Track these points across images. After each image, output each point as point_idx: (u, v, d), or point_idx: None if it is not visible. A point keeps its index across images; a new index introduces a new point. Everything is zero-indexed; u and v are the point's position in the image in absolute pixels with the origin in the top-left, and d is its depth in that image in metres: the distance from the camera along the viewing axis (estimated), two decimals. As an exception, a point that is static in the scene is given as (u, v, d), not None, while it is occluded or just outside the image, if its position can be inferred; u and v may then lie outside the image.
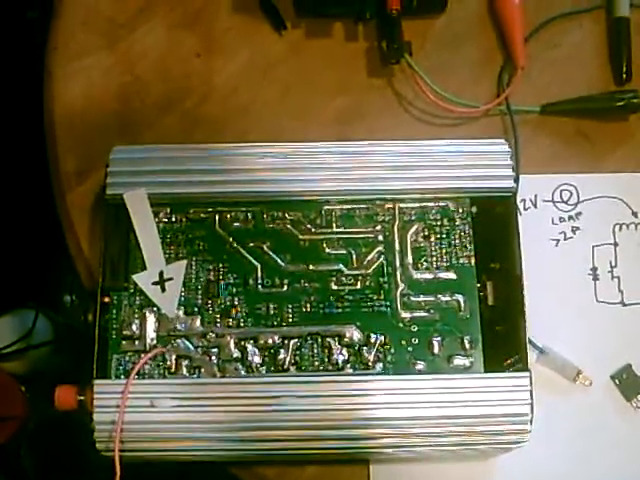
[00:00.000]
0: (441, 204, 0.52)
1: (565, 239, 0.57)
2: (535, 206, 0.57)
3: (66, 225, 0.57)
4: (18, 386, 0.89)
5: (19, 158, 0.95)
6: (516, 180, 0.52)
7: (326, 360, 0.49)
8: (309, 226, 0.52)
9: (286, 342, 0.50)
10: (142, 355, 0.49)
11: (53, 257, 0.89)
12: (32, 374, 0.89)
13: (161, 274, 0.50)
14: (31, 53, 0.63)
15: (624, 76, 0.60)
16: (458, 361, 0.50)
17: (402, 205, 0.52)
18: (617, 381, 0.54)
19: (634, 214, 0.57)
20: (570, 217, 0.57)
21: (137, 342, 0.49)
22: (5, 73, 0.95)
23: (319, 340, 0.50)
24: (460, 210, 0.52)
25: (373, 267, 0.51)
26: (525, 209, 0.57)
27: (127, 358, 0.49)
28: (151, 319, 0.50)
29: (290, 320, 0.50)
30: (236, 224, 0.52)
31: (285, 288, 0.51)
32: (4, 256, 0.94)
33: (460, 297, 0.51)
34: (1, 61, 0.96)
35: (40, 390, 0.89)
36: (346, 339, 0.50)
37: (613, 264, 0.56)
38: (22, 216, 0.96)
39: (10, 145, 0.96)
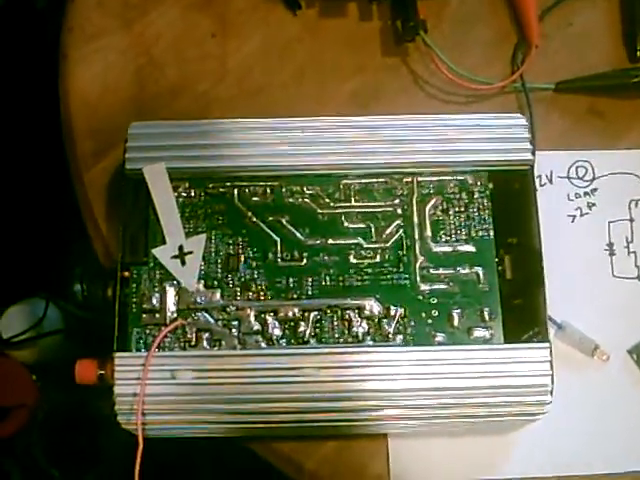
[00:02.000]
0: (459, 177, 0.52)
1: (581, 215, 0.57)
2: (551, 182, 0.58)
3: (83, 205, 0.57)
4: (29, 375, 0.89)
5: (34, 151, 0.95)
6: (533, 153, 0.52)
7: (346, 332, 0.49)
8: (327, 200, 0.52)
9: (306, 315, 0.50)
10: (162, 328, 0.49)
11: (64, 246, 0.89)
12: (42, 363, 0.90)
13: (181, 248, 0.50)
14: (42, 42, 0.63)
15: (638, 53, 0.60)
16: (478, 333, 0.50)
17: (420, 179, 0.52)
18: (634, 356, 0.54)
19: (649, 190, 0.58)
20: (586, 193, 0.57)
21: (157, 315, 0.49)
22: (18, 64, 0.96)
23: (339, 313, 0.50)
24: (478, 183, 0.52)
25: (392, 240, 0.51)
26: (541, 185, 0.57)
27: (147, 331, 0.49)
28: (171, 292, 0.50)
29: (310, 293, 0.50)
30: (255, 198, 0.52)
31: (304, 262, 0.51)
32: (15, 246, 0.94)
33: (479, 269, 0.51)
34: (14, 52, 0.96)
35: (51, 379, 0.89)
36: (366, 311, 0.50)
37: (629, 240, 0.57)
38: (33, 206, 0.96)
39: (25, 135, 0.96)
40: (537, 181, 0.56)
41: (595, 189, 0.58)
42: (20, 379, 0.88)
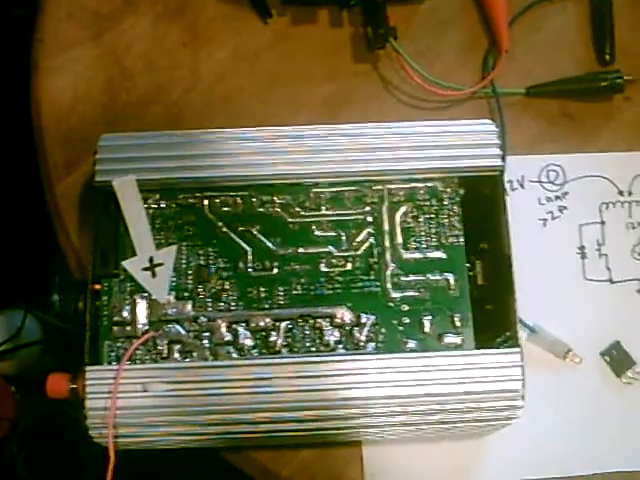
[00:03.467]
0: (429, 184, 0.52)
1: (552, 219, 0.57)
2: (522, 187, 0.58)
3: (55, 217, 0.57)
4: (8, 387, 0.88)
5: (8, 159, 0.95)
6: (503, 159, 0.52)
7: (318, 341, 0.50)
8: (298, 209, 0.52)
9: (277, 324, 0.50)
10: (134, 341, 0.49)
11: (41, 256, 0.89)
12: (22, 374, 0.89)
13: (151, 260, 0.50)
14: (20, 49, 0.63)
15: (607, 57, 0.60)
16: (449, 339, 0.50)
17: (390, 186, 0.52)
18: (607, 358, 0.55)
19: (620, 193, 0.58)
20: (557, 197, 0.58)
21: (128, 328, 0.49)
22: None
23: (310, 322, 0.50)
24: (448, 190, 0.52)
25: (363, 248, 0.51)
26: (512, 190, 0.57)
27: (119, 344, 0.49)
28: (142, 305, 0.50)
29: (281, 302, 0.50)
30: (225, 208, 0.52)
31: (275, 271, 0.51)
32: (-8, 257, 0.94)
33: (450, 276, 0.51)
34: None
35: (30, 390, 0.89)
36: (337, 320, 0.50)
37: (600, 242, 0.57)
38: (9, 217, 0.95)
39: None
40: (508, 185, 0.57)
41: (566, 192, 0.58)
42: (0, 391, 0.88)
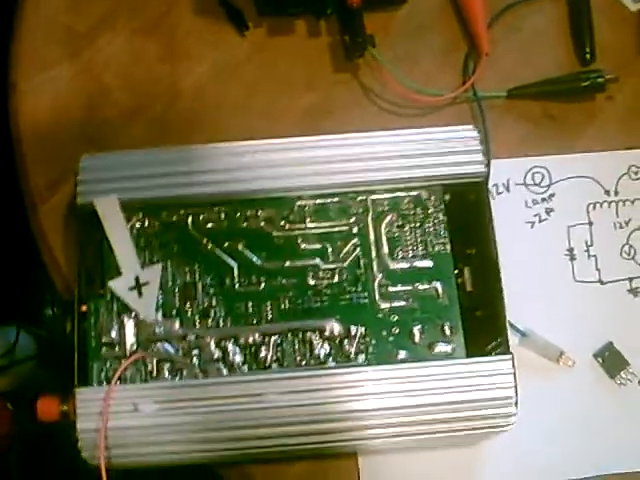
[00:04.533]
0: (413, 193, 0.52)
1: (540, 221, 0.57)
2: (508, 190, 0.58)
3: (40, 238, 0.57)
4: (4, 403, 0.88)
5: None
6: (487, 165, 0.52)
7: (308, 355, 0.49)
8: (283, 223, 0.52)
9: (267, 339, 0.49)
10: (122, 361, 0.49)
11: (33, 272, 0.88)
12: (17, 390, 0.89)
13: (137, 279, 0.50)
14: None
15: (588, 56, 0.60)
16: (440, 348, 0.50)
17: (374, 197, 0.52)
18: (600, 359, 0.54)
19: (606, 192, 0.58)
20: (543, 199, 0.57)
21: (117, 348, 0.49)
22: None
23: (300, 335, 0.50)
24: (433, 198, 0.52)
25: (349, 260, 0.51)
26: (498, 193, 0.57)
27: (108, 365, 0.49)
28: (130, 324, 0.50)
29: (269, 317, 0.50)
30: (209, 225, 0.51)
31: (262, 286, 0.50)
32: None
33: (438, 284, 0.51)
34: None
35: (26, 406, 0.88)
36: (327, 333, 0.50)
37: (589, 243, 0.57)
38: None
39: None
40: (494, 189, 0.57)
41: (553, 194, 0.58)
42: (-5, 408, 0.87)
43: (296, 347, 0.49)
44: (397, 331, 0.50)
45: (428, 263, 0.51)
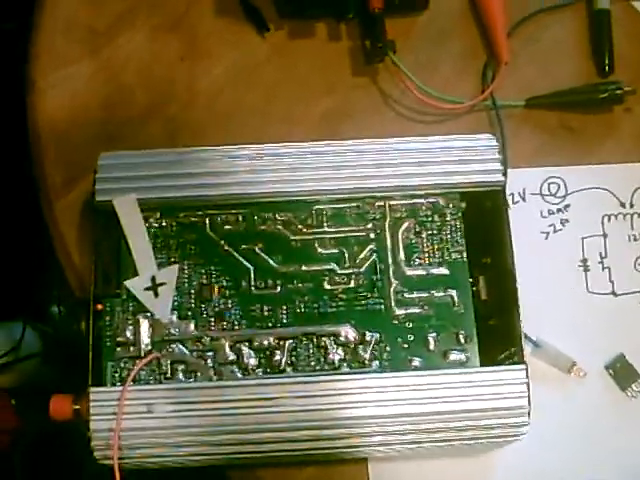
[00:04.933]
0: (431, 200, 0.52)
1: (554, 232, 0.57)
2: (524, 200, 0.58)
3: (55, 235, 0.57)
4: (9, 399, 0.88)
5: (3, 171, 0.94)
6: (505, 174, 0.52)
7: (322, 360, 0.49)
8: (300, 226, 0.52)
9: (281, 343, 0.49)
10: (137, 361, 0.49)
11: (40, 269, 0.88)
12: (22, 387, 0.89)
13: (153, 279, 0.50)
14: (10, 64, 0.63)
15: (606, 68, 0.60)
16: (454, 356, 0.50)
17: (392, 202, 0.52)
18: (611, 371, 0.54)
19: (622, 204, 0.58)
20: (559, 210, 0.58)
21: (132, 348, 0.49)
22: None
23: (314, 340, 0.50)
24: (450, 206, 0.52)
25: (366, 265, 0.51)
26: (514, 203, 0.57)
27: (122, 365, 0.49)
28: (145, 325, 0.50)
29: (285, 321, 0.50)
30: (227, 227, 0.52)
31: (278, 289, 0.50)
32: (-10, 269, 0.94)
33: (453, 292, 0.51)
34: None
35: (31, 403, 0.89)
36: (341, 338, 0.50)
37: (603, 255, 0.57)
38: (7, 229, 0.95)
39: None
40: (510, 199, 0.57)
41: (568, 205, 0.58)
42: (0, 404, 0.87)
43: (310, 352, 0.50)
44: (412, 338, 0.50)
45: (444, 271, 0.51)
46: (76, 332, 0.50)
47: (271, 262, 0.51)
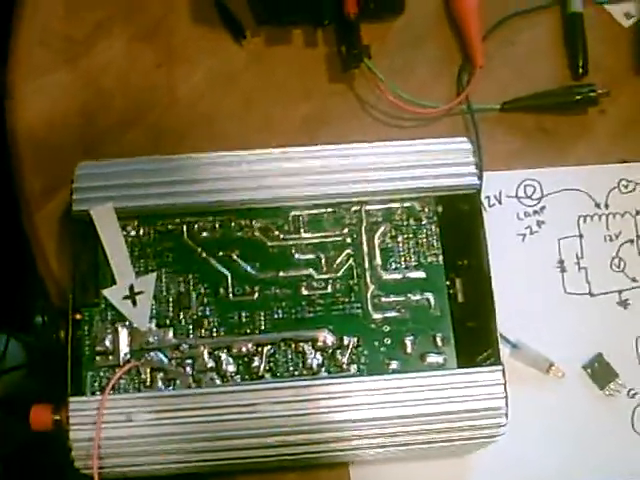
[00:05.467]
0: (406, 204, 0.53)
1: (531, 233, 0.58)
2: (500, 202, 0.58)
3: (34, 245, 0.57)
4: (-8, 411, 0.88)
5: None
6: (480, 177, 0.52)
7: (301, 365, 0.50)
8: (277, 232, 0.52)
9: (260, 349, 0.50)
10: (116, 370, 0.49)
11: (23, 279, 0.88)
12: (6, 398, 0.89)
13: (131, 288, 0.50)
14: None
15: (581, 70, 0.60)
16: (431, 359, 0.50)
17: (368, 207, 0.52)
18: (589, 371, 0.55)
19: (597, 205, 0.58)
20: (535, 211, 0.58)
21: (111, 357, 0.49)
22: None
23: (293, 345, 0.50)
24: (426, 209, 0.53)
25: (343, 270, 0.51)
26: (490, 206, 0.58)
27: (101, 374, 0.49)
28: (124, 333, 0.50)
29: (263, 327, 0.50)
30: (204, 234, 0.52)
31: (256, 296, 0.51)
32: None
33: (430, 295, 0.51)
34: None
35: (15, 414, 0.88)
36: (319, 343, 0.50)
37: (579, 256, 0.57)
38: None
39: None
40: (486, 202, 0.57)
41: (544, 207, 0.58)
42: (-17, 416, 0.87)
43: (289, 357, 0.50)
44: (389, 342, 0.50)
45: (420, 274, 0.52)
46: (56, 342, 0.50)
47: (248, 269, 0.51)
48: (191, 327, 0.50)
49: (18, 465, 0.87)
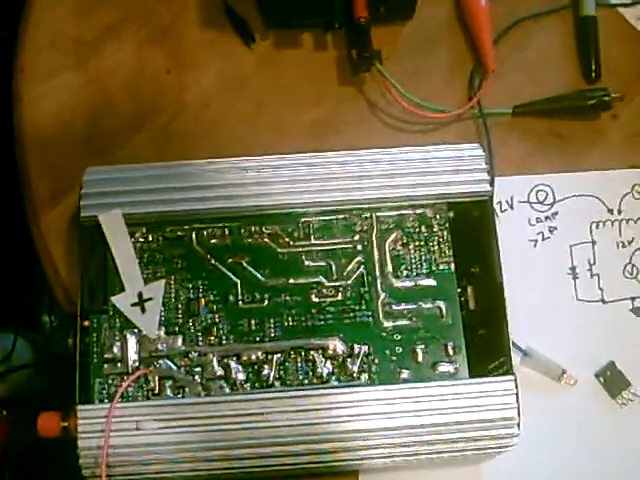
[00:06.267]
0: (418, 211, 0.52)
1: (543, 239, 0.57)
2: (511, 207, 0.57)
3: (42, 249, 0.57)
4: (0, 410, 0.88)
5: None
6: (491, 183, 0.52)
7: (310, 373, 0.49)
8: (287, 239, 0.52)
9: (269, 357, 0.49)
10: (125, 378, 0.48)
11: (30, 278, 0.88)
12: (13, 397, 0.88)
13: (140, 295, 0.50)
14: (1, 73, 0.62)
15: (593, 74, 0.60)
16: (443, 368, 0.50)
17: (379, 214, 0.52)
18: (601, 379, 0.54)
19: (610, 211, 0.58)
20: (547, 217, 0.57)
21: (119, 365, 0.49)
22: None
23: (303, 354, 0.49)
24: (437, 216, 0.52)
25: (353, 277, 0.51)
26: (502, 211, 0.57)
27: (110, 381, 0.49)
28: (132, 341, 0.49)
29: (272, 335, 0.50)
30: (214, 240, 0.51)
31: (266, 303, 0.50)
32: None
33: (441, 303, 0.51)
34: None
35: (22, 413, 0.88)
36: (330, 351, 0.49)
37: (592, 262, 0.57)
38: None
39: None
40: (498, 207, 0.57)
41: (556, 213, 0.57)
42: (-10, 415, 0.87)
43: (299, 365, 0.49)
44: (400, 350, 0.50)
45: (432, 282, 0.51)
46: (65, 346, 0.50)
47: (258, 275, 0.51)
48: (200, 334, 0.50)
49: (24, 464, 0.86)
